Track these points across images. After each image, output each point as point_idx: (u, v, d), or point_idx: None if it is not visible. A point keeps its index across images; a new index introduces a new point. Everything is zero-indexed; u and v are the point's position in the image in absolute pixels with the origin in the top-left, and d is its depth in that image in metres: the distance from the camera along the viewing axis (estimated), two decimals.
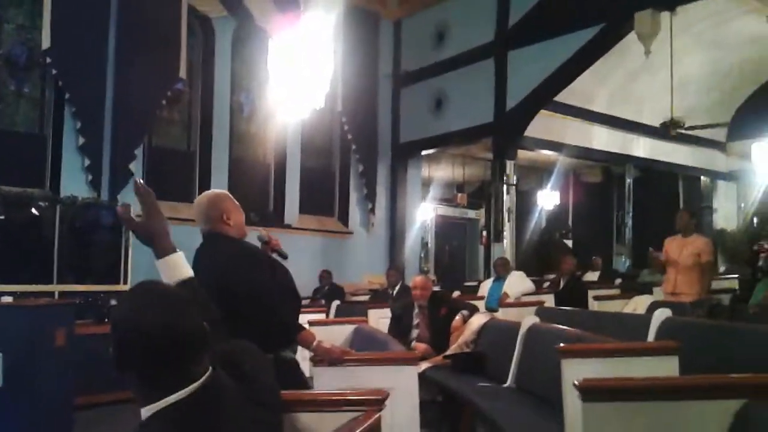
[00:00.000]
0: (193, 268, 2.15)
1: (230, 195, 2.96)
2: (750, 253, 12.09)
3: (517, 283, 7.85)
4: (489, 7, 10.23)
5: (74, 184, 8.25)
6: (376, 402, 1.95)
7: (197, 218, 2.91)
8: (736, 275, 10.45)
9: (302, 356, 3.29)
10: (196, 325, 1.41)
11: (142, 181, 1.91)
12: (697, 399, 1.97)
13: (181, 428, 1.35)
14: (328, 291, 9.32)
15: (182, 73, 9.01)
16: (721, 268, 12.50)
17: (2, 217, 7.38)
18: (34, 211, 7.57)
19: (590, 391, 2.02)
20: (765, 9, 9.62)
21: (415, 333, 5.66)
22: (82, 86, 8.33)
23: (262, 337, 2.69)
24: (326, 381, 2.92)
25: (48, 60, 8.09)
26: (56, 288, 7.41)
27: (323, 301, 8.99)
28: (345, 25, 10.72)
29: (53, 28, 8.00)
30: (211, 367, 1.44)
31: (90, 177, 8.40)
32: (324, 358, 2.90)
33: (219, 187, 9.54)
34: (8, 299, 5.62)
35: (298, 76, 6.07)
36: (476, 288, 9.04)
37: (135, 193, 1.90)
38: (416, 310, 5.70)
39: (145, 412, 1.38)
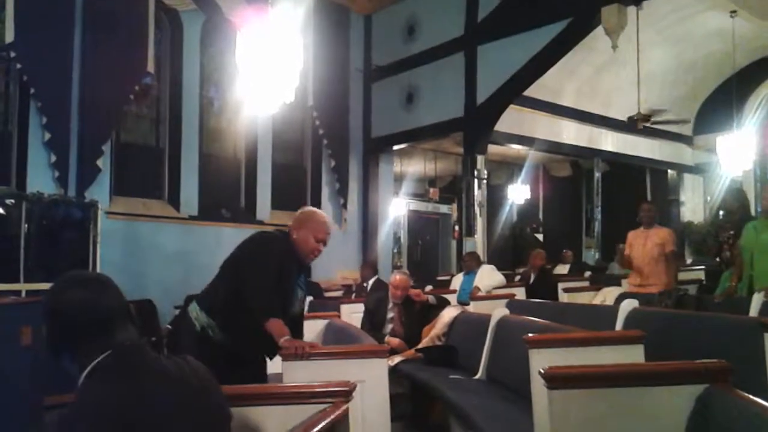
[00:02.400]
0: None
1: (321, 220, 3.38)
2: (716, 244, 12.35)
3: (488, 276, 7.91)
4: (458, 1, 10.26)
5: (40, 180, 8.09)
6: (343, 393, 1.96)
7: None
8: (703, 266, 10.64)
9: None
10: (115, 301, 1.65)
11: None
12: (661, 385, 2.01)
13: (108, 377, 1.52)
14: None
15: (150, 67, 8.89)
16: (689, 260, 12.72)
17: None
18: None
19: (555, 379, 2.04)
20: (729, 4, 9.80)
21: (389, 327, 5.68)
22: (47, 81, 8.17)
23: (236, 312, 3.03)
24: (296, 375, 2.91)
25: (12, 54, 7.92)
26: (23, 287, 7.27)
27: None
28: (315, 18, 10.69)
29: (17, 22, 7.83)
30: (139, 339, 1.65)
31: (57, 173, 8.26)
32: (290, 350, 2.90)
33: (189, 183, 9.65)
34: None
35: (267, 69, 6.02)
36: (448, 282, 9.08)
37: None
38: (390, 305, 5.72)
39: (81, 379, 1.56)
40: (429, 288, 8.40)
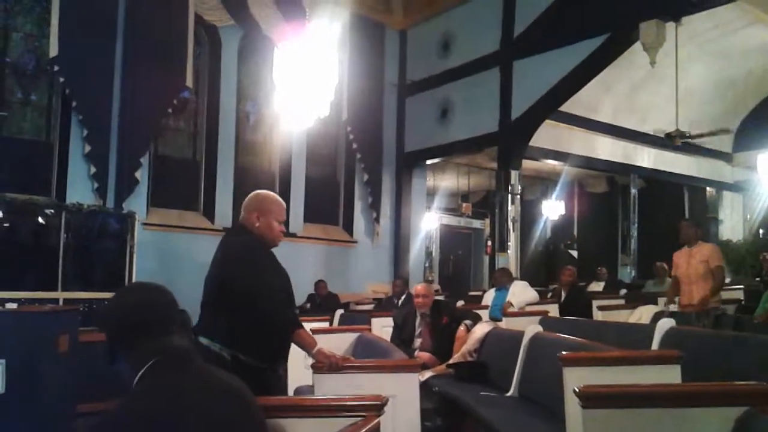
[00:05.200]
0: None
1: (278, 200, 3.08)
2: (756, 264, 12.07)
3: (521, 292, 7.82)
4: (494, 17, 10.26)
5: (80, 191, 8.29)
6: (374, 407, 1.94)
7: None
8: (742, 286, 10.40)
9: (305, 364, 3.28)
10: (172, 304, 1.69)
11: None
12: (698, 406, 1.96)
13: (158, 380, 1.54)
14: (323, 300, 9.32)
15: (188, 81, 9.07)
16: (727, 279, 12.43)
17: (8, 224, 7.41)
18: (39, 218, 7.58)
19: (590, 398, 2.00)
20: None
21: (418, 342, 5.65)
22: (88, 94, 8.38)
23: (257, 330, 2.77)
24: (327, 388, 2.91)
25: (55, 68, 8.16)
26: (61, 295, 7.41)
27: (308, 306, 9.09)
28: (351, 34, 10.79)
29: (61, 37, 8.08)
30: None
31: (96, 185, 8.45)
32: (324, 364, 2.89)
33: (224, 195, 9.72)
34: (12, 306, 5.62)
35: (303, 84, 6.09)
36: (480, 297, 9.01)
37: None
38: (418, 319, 5.69)
39: (133, 384, 1.57)
40: (460, 303, 8.35)
